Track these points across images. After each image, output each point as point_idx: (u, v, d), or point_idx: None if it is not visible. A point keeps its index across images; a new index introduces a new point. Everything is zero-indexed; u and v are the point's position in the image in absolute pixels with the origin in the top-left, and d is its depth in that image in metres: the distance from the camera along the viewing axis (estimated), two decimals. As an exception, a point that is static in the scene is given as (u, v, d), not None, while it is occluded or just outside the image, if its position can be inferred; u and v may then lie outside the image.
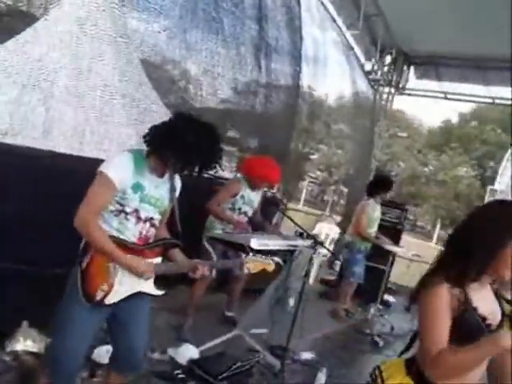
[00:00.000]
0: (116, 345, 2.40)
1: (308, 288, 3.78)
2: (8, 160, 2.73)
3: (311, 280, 5.30)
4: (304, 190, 25.05)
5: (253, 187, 4.04)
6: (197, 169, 2.24)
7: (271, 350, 3.87)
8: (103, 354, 2.95)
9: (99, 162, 2.21)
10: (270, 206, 4.88)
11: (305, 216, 9.16)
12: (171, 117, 2.33)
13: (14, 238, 2.87)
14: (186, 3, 3.85)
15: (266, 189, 4.19)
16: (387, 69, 8.12)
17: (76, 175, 2.61)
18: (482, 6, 5.67)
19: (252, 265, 2.63)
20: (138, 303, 2.28)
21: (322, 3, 6.35)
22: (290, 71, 5.77)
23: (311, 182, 27.97)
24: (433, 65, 7.83)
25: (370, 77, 7.94)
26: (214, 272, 3.92)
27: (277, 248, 3.48)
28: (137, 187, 2.18)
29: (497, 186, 11.28)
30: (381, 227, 5.83)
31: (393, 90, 8.37)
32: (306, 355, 4.06)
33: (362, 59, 7.77)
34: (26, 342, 2.76)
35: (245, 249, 3.38)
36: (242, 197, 4.00)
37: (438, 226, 25.82)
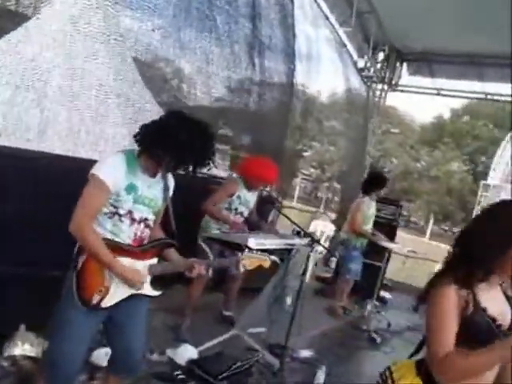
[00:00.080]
0: (113, 347, 2.38)
1: (304, 285, 3.78)
2: (3, 161, 2.70)
3: (307, 278, 5.32)
4: (297, 187, 25.06)
5: (249, 187, 4.03)
6: (190, 167, 2.21)
7: (270, 349, 3.86)
8: (102, 356, 2.92)
9: (94, 163, 2.17)
10: (265, 205, 4.88)
11: (299, 213, 9.15)
12: (162, 115, 2.29)
13: (10, 240, 2.84)
14: (179, 2, 3.81)
15: (262, 188, 4.16)
16: (380, 65, 8.13)
17: (72, 176, 2.58)
18: (475, 2, 5.69)
19: (248, 261, 2.63)
20: (135, 305, 2.26)
21: (315, 1, 6.33)
22: (284, 69, 5.75)
23: (304, 178, 28.01)
24: (425, 61, 7.85)
25: (363, 74, 7.94)
26: (210, 271, 3.92)
27: (274, 247, 3.47)
28: (130, 188, 2.15)
29: (490, 180, 11.34)
30: (376, 224, 5.85)
31: (386, 87, 8.38)
32: (305, 353, 4.07)
33: (355, 56, 7.77)
34: (24, 346, 2.73)
35: (242, 248, 3.37)
36: (239, 197, 3.99)
37: (431, 222, 25.98)
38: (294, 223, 3.71)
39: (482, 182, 11.60)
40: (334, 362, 4.10)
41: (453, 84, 7.88)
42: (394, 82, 8.32)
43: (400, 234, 7.39)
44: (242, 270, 4.06)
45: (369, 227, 5.58)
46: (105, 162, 2.15)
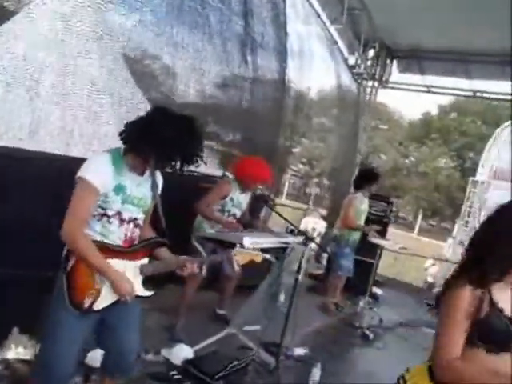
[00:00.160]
0: (106, 349, 2.36)
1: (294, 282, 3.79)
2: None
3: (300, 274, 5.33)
4: (286, 184, 25.08)
5: (244, 188, 4.02)
6: (178, 164, 2.17)
7: (265, 347, 3.86)
8: (97, 358, 2.89)
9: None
10: (257, 202, 4.87)
11: (292, 211, 9.17)
12: (148, 111, 2.23)
13: (2, 242, 2.80)
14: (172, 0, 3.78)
15: (256, 189, 4.15)
16: (370, 63, 8.15)
17: (64, 176, 2.53)
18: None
19: (240, 257, 2.62)
20: (126, 306, 2.22)
21: (307, -2, 6.33)
22: (276, 67, 5.75)
23: (293, 175, 28.03)
24: (415, 58, 7.88)
25: (354, 71, 7.95)
26: (204, 271, 3.91)
27: (269, 246, 3.47)
28: (119, 189, 2.11)
29: (478, 177, 11.45)
30: (367, 221, 5.89)
31: (376, 84, 8.40)
32: (299, 351, 4.08)
33: (346, 53, 7.76)
34: (18, 350, 2.70)
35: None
36: (232, 199, 3.99)
37: (420, 217, 26.18)
38: (289, 222, 3.71)
39: (471, 179, 11.68)
40: (327, 359, 4.12)
41: (442, 81, 7.93)
42: (384, 79, 8.34)
43: (389, 229, 7.45)
44: (237, 269, 4.13)
45: (361, 223, 5.61)
46: (91, 163, 2.10)
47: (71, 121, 3.06)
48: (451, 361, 1.46)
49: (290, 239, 3.69)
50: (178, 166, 2.17)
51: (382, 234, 6.35)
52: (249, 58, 5.29)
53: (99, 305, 2.13)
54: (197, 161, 2.19)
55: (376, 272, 6.47)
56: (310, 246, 3.94)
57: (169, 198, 3.05)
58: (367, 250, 5.98)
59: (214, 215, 3.91)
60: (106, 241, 2.13)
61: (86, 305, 2.09)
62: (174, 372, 3.13)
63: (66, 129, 3.03)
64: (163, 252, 2.36)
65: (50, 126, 2.94)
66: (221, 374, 3.13)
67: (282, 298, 4.67)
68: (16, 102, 2.74)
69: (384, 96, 8.79)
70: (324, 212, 8.97)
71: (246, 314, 4.01)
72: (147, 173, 2.24)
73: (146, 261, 2.29)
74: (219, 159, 5.34)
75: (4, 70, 2.67)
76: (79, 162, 2.15)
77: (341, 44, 7.49)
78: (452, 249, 11.82)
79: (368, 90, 8.43)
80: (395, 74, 8.33)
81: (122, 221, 2.16)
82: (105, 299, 2.14)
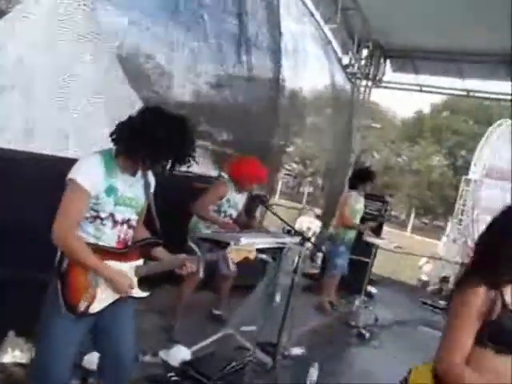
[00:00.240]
0: (102, 353, 2.32)
1: (291, 282, 3.80)
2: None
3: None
4: (280, 182, 25.10)
5: (239, 189, 4.02)
6: (169, 165, 2.13)
7: (261, 347, 3.86)
8: (94, 361, 2.87)
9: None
10: (253, 202, 4.87)
11: (286, 210, 9.18)
12: (138, 111, 2.16)
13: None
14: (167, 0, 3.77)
15: (252, 189, 4.15)
16: (364, 62, 8.16)
17: (60, 177, 2.51)
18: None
19: (235, 254, 2.60)
20: (121, 308, 2.20)
21: (301, -2, 6.34)
22: (270, 66, 5.76)
23: (287, 174, 28.07)
24: (409, 58, 7.91)
25: (348, 70, 7.97)
26: (201, 272, 3.90)
27: (266, 246, 3.47)
28: (110, 190, 2.08)
29: (471, 175, 11.53)
30: (362, 219, 5.90)
31: (370, 83, 8.42)
32: (296, 351, 4.08)
33: (340, 53, 7.78)
34: (14, 353, 2.68)
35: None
36: (228, 200, 3.99)
37: (413, 216, 26.34)
38: (285, 222, 3.72)
39: (464, 177, 11.76)
40: (324, 359, 4.11)
41: (436, 81, 7.97)
42: (377, 79, 8.37)
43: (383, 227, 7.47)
44: (233, 269, 4.12)
45: (357, 222, 5.62)
46: (81, 165, 2.06)
47: (67, 122, 3.04)
48: (454, 366, 1.47)
49: (287, 239, 3.69)
50: (169, 167, 2.14)
51: (377, 232, 6.37)
52: (243, 58, 5.31)
53: (95, 308, 2.11)
54: (189, 161, 2.16)
55: (371, 271, 6.49)
56: (306, 245, 3.97)
57: (164, 199, 3.04)
58: (362, 249, 5.99)
59: (210, 216, 3.90)
60: (99, 243, 2.11)
61: (82, 308, 2.06)
62: (172, 374, 3.12)
63: (61, 130, 3.01)
64: (161, 252, 2.34)
65: (45, 126, 2.91)
66: (219, 375, 3.12)
67: (277, 298, 4.68)
68: (11, 103, 2.70)
69: (376, 95, 8.82)
70: (319, 211, 8.99)
71: (243, 315, 4.01)
72: (139, 173, 2.21)
73: (141, 262, 2.26)
74: (214, 159, 5.34)
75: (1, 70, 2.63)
76: (75, 162, 2.11)
77: (335, 44, 7.52)
78: (446, 247, 11.91)
79: (362, 89, 8.45)
80: (389, 73, 8.35)
81: (115, 222, 2.13)
82: (100, 302, 2.12)
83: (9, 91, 2.70)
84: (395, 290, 7.95)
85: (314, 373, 3.60)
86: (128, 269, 2.20)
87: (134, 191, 2.19)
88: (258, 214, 6.09)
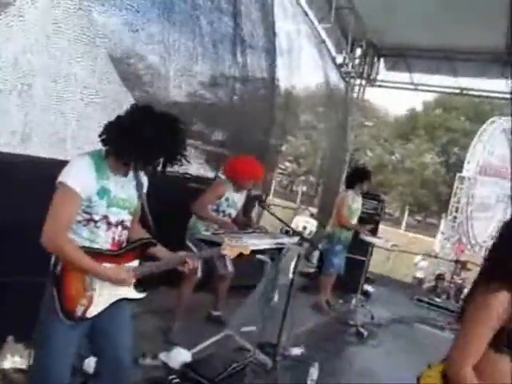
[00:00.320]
0: (100, 357, 2.29)
1: (287, 282, 3.80)
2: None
3: (290, 274, 5.37)
4: (273, 182, 25.08)
5: (238, 188, 4.02)
6: (160, 165, 2.09)
7: (261, 348, 3.86)
8: (94, 364, 2.87)
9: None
10: (249, 202, 4.88)
11: (281, 210, 9.19)
12: (127, 110, 2.10)
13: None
14: (163, 1, 3.75)
15: (250, 188, 4.15)
16: (358, 61, 8.20)
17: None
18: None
19: (229, 251, 2.59)
20: (117, 310, 2.18)
21: (295, -3, 6.35)
22: (266, 66, 5.76)
23: (280, 173, 28.08)
24: (402, 56, 7.95)
25: (342, 69, 7.99)
26: (199, 272, 3.90)
27: (266, 247, 3.47)
28: (103, 192, 2.04)
29: (465, 173, 11.60)
30: (359, 219, 5.91)
31: (364, 82, 8.45)
32: (296, 351, 4.09)
33: (334, 52, 7.80)
34: (14, 359, 2.65)
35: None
36: (227, 199, 3.99)
37: (406, 213, 26.43)
38: (285, 223, 3.73)
39: (458, 175, 11.82)
40: (324, 358, 4.13)
41: (429, 79, 8.00)
42: (371, 78, 8.40)
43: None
44: (231, 269, 4.12)
45: (354, 221, 5.63)
46: (71, 167, 2.01)
47: (63, 125, 3.02)
48: (464, 373, 1.47)
49: (286, 240, 3.70)
50: (161, 166, 2.10)
51: (374, 231, 6.40)
52: (239, 58, 5.30)
53: (93, 312, 2.09)
54: (180, 160, 2.12)
55: (367, 269, 6.52)
56: (304, 245, 3.98)
57: (161, 200, 3.03)
58: (358, 248, 6.01)
59: (210, 215, 3.90)
60: (94, 246, 2.08)
61: (79, 313, 2.04)
62: (173, 376, 3.10)
63: (58, 133, 2.98)
64: (161, 251, 2.32)
65: (42, 131, 2.89)
66: (220, 377, 3.12)
67: (275, 298, 4.69)
68: (8, 107, 2.68)
69: (369, 93, 8.84)
70: (314, 210, 9.00)
71: (242, 315, 4.00)
72: (131, 173, 2.17)
73: (136, 263, 2.23)
74: (211, 160, 5.34)
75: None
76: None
77: (328, 43, 7.54)
78: (441, 244, 11.98)
79: (356, 88, 8.48)
80: (382, 72, 8.38)
81: (109, 224, 2.10)
82: (97, 305, 2.10)
83: (6, 95, 2.67)
84: (391, 288, 7.99)
85: (314, 372, 3.62)
86: (124, 271, 2.17)
87: (126, 192, 2.16)
88: (253, 214, 6.09)
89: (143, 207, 2.28)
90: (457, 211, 11.40)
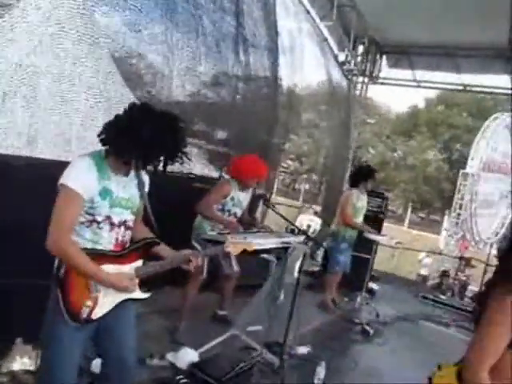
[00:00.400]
0: (105, 358, 2.27)
1: (292, 280, 3.80)
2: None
3: (295, 273, 5.37)
4: (276, 180, 25.03)
5: (243, 187, 4.02)
6: (160, 163, 2.08)
7: (267, 347, 3.86)
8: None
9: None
10: (254, 201, 4.88)
11: (285, 208, 9.18)
12: (125, 109, 2.08)
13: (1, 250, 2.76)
14: (166, 2, 3.75)
15: (255, 186, 4.15)
16: (360, 59, 8.18)
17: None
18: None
19: (233, 248, 2.58)
20: (122, 311, 2.18)
21: (297, -5, 6.34)
22: (268, 65, 5.75)
23: (282, 171, 28.05)
24: (405, 54, 7.93)
25: (344, 67, 7.98)
26: (205, 272, 3.90)
27: (272, 246, 3.47)
28: (105, 193, 2.04)
29: (468, 169, 11.57)
30: (364, 217, 5.90)
31: (366, 80, 8.43)
32: (303, 349, 4.09)
33: (336, 50, 7.79)
34: (23, 360, 2.66)
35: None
36: (232, 198, 3.98)
37: (409, 210, 26.40)
38: (290, 222, 3.72)
39: (461, 171, 11.79)
40: (330, 357, 4.13)
41: (432, 76, 7.98)
42: (374, 75, 8.38)
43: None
44: (237, 269, 4.12)
45: (359, 220, 5.62)
46: (72, 169, 2.00)
47: (68, 126, 3.02)
48: (480, 377, 1.46)
49: (292, 239, 3.69)
50: (161, 165, 2.09)
51: (378, 229, 6.38)
52: (242, 57, 5.30)
53: (98, 313, 2.09)
54: (181, 158, 2.11)
55: (372, 267, 6.51)
56: (310, 244, 3.98)
57: (167, 200, 3.02)
58: (363, 246, 6.00)
59: (215, 215, 3.90)
60: (97, 247, 2.07)
61: (84, 315, 2.03)
62: (181, 376, 3.11)
63: (63, 134, 2.98)
64: (165, 250, 2.31)
65: (48, 133, 2.89)
66: (228, 377, 3.12)
67: (281, 296, 4.69)
68: (13, 109, 2.68)
69: (371, 90, 8.82)
70: (317, 208, 9.00)
71: (248, 315, 4.00)
72: (132, 173, 2.17)
73: (140, 263, 2.23)
74: (215, 160, 5.33)
75: (0, 77, 2.61)
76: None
77: (331, 41, 7.53)
78: (445, 241, 11.96)
79: (358, 85, 8.46)
80: (385, 69, 8.36)
81: (112, 225, 2.10)
82: (102, 307, 2.10)
83: (11, 97, 2.67)
84: (396, 285, 7.98)
85: (321, 371, 3.62)
86: (127, 271, 2.17)
87: (128, 191, 2.15)
88: (258, 213, 6.09)
89: (145, 207, 2.28)
90: (460, 208, 11.37)
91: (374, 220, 6.57)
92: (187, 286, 3.95)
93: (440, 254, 10.56)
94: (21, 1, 2.74)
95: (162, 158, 2.08)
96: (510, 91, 7.00)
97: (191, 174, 4.85)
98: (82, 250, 2.02)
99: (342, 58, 7.94)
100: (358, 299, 5.87)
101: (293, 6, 6.30)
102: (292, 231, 3.91)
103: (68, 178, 1.97)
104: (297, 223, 7.41)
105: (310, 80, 8.00)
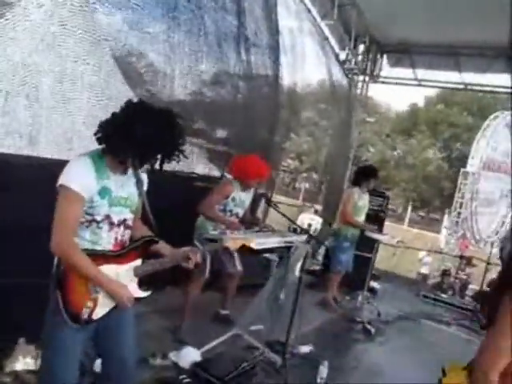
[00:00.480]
0: (105, 356, 2.26)
1: (293, 279, 3.80)
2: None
3: (296, 272, 5.37)
4: (276, 179, 25.00)
5: (244, 187, 4.01)
6: (157, 161, 2.06)
7: (269, 346, 3.86)
8: (104, 365, 2.87)
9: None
10: (255, 201, 4.87)
11: (286, 208, 9.18)
12: (121, 107, 2.05)
13: (3, 250, 2.75)
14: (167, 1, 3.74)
15: (256, 186, 4.15)
16: (361, 58, 8.16)
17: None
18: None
19: (232, 243, 2.57)
20: (122, 310, 2.16)
21: (297, -6, 6.32)
22: (269, 64, 5.75)
23: (282, 170, 28.02)
24: (406, 52, 7.91)
25: (345, 66, 7.96)
26: (207, 272, 3.90)
27: (275, 246, 3.47)
28: (104, 192, 2.02)
29: (469, 168, 11.57)
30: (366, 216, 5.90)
31: (367, 79, 8.42)
32: (305, 349, 4.09)
33: (337, 49, 7.77)
34: (26, 360, 2.65)
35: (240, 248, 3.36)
36: (234, 199, 3.97)
37: (409, 209, 26.41)
38: (292, 221, 3.72)
39: (462, 170, 11.78)
40: (331, 356, 4.13)
41: (433, 74, 7.96)
42: (375, 74, 8.36)
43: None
44: (239, 268, 4.12)
45: (361, 219, 5.62)
46: (71, 169, 1.98)
47: (71, 125, 3.01)
48: (491, 382, 1.46)
49: (294, 238, 3.69)
50: (158, 163, 2.07)
51: (379, 228, 6.39)
52: (243, 56, 5.29)
53: (98, 313, 2.07)
54: (178, 156, 2.08)
55: (373, 266, 6.51)
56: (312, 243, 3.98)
57: (168, 199, 3.01)
58: (364, 245, 6.00)
59: (217, 215, 3.89)
60: (96, 248, 2.06)
61: (85, 316, 2.02)
62: (184, 376, 3.11)
63: (65, 133, 2.98)
64: (164, 248, 2.29)
65: (50, 132, 2.88)
66: (231, 376, 3.12)
67: (282, 295, 4.68)
68: (16, 108, 2.67)
69: (372, 89, 8.80)
70: (318, 207, 9.00)
71: (251, 314, 4.00)
72: (130, 171, 2.14)
73: (139, 262, 2.21)
74: (216, 158, 5.33)
75: (2, 77, 2.60)
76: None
77: (332, 39, 7.50)
78: (446, 240, 11.96)
79: (359, 84, 8.44)
80: (386, 68, 8.34)
81: (111, 224, 2.08)
82: (104, 306, 2.09)
83: (13, 96, 2.67)
84: (396, 284, 7.99)
85: (324, 371, 3.61)
86: (126, 271, 2.16)
87: (126, 190, 2.13)
88: (259, 212, 6.08)
89: (144, 205, 2.25)
90: (461, 207, 11.37)
91: (375, 219, 6.56)
92: (190, 285, 3.95)
93: (440, 252, 10.56)
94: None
95: (158, 157, 2.05)
96: (510, 90, 7.01)
97: (193, 172, 4.85)
98: (82, 251, 2.00)
99: (342, 56, 7.90)
100: (360, 298, 5.87)
101: (294, 5, 6.28)
102: (294, 230, 3.91)
103: (68, 179, 1.95)
104: (298, 222, 7.42)
105: (310, 79, 7.99)
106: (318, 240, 4.38)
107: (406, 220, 25.38)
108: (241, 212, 4.08)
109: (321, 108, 9.26)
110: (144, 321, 3.69)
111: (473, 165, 11.45)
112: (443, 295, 7.58)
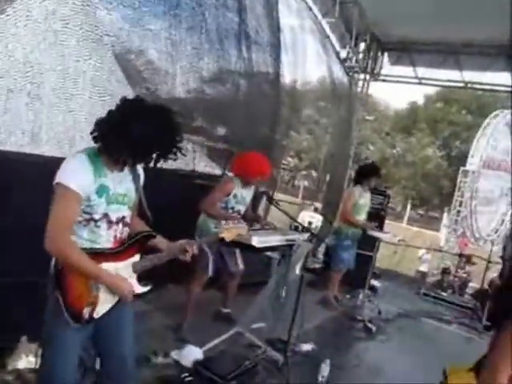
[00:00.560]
0: (105, 355, 2.25)
1: (294, 278, 3.80)
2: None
3: (297, 270, 5.37)
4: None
5: (245, 184, 4.00)
6: (153, 160, 2.03)
7: (271, 344, 3.86)
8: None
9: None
10: (257, 199, 4.87)
11: (288, 206, 9.17)
12: (117, 105, 2.02)
13: (5, 249, 2.74)
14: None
15: (258, 183, 4.14)
16: (362, 56, 8.14)
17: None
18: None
19: (227, 233, 2.57)
20: (122, 308, 2.16)
21: (299, -9, 6.31)
22: (270, 61, 5.74)
23: (282, 167, 27.97)
24: (406, 51, 7.90)
25: (346, 64, 7.95)
26: (211, 270, 3.89)
27: (277, 244, 3.46)
28: (101, 190, 2.00)
29: (468, 166, 11.57)
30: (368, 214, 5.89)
31: (368, 77, 8.41)
32: (306, 347, 4.10)
33: (338, 47, 7.75)
34: (28, 359, 2.65)
35: (241, 246, 3.36)
36: (235, 196, 3.97)
37: (409, 207, 26.42)
38: (294, 220, 3.72)
39: (461, 168, 11.78)
40: (332, 354, 4.13)
41: (433, 73, 7.95)
42: (375, 72, 8.35)
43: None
44: (241, 267, 4.12)
45: (362, 217, 5.61)
46: (68, 167, 1.95)
47: (73, 123, 3.00)
48: None
49: (296, 236, 3.68)
50: (154, 161, 2.05)
51: (380, 226, 6.40)
52: (244, 54, 5.28)
53: (99, 312, 2.07)
54: (175, 154, 2.06)
55: (374, 264, 6.51)
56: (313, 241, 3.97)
57: (169, 196, 3.00)
58: (365, 243, 6.00)
59: (219, 213, 3.89)
60: (94, 246, 2.05)
61: (86, 315, 2.01)
62: (186, 374, 3.11)
63: (67, 131, 2.97)
64: (162, 242, 2.29)
65: (52, 130, 2.87)
66: (233, 375, 3.12)
67: (283, 293, 4.68)
68: (18, 106, 2.66)
69: (372, 87, 8.78)
70: (318, 205, 8.99)
71: (252, 312, 4.00)
72: (126, 167, 2.12)
73: (137, 258, 2.20)
74: (217, 156, 5.32)
75: (5, 75, 2.59)
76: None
77: (332, 37, 7.48)
78: (445, 238, 11.97)
79: (360, 82, 8.43)
80: (386, 66, 8.33)
81: (109, 223, 2.07)
82: (105, 304, 2.08)
83: (15, 94, 2.66)
84: (396, 282, 8.00)
85: (325, 369, 3.62)
86: (125, 267, 2.15)
87: (124, 187, 2.11)
88: (260, 209, 6.08)
89: (141, 200, 2.24)
90: (460, 205, 11.37)
91: (376, 217, 6.56)
92: (192, 283, 3.95)
93: (440, 250, 10.57)
94: (24, -3, 2.72)
95: (153, 155, 2.03)
96: (510, 88, 7.00)
97: (194, 170, 4.84)
98: (81, 250, 1.98)
99: (343, 54, 7.89)
100: (360, 296, 5.87)
101: (295, 2, 6.27)
102: (295, 228, 3.90)
103: (64, 177, 1.92)
104: (298, 220, 7.41)
105: (311, 76, 8.00)
106: (320, 238, 4.38)
107: (405, 218, 25.38)
108: (242, 209, 4.07)
109: (321, 106, 9.26)
110: (146, 319, 3.70)
111: (472, 163, 11.44)
112: (443, 293, 7.59)
